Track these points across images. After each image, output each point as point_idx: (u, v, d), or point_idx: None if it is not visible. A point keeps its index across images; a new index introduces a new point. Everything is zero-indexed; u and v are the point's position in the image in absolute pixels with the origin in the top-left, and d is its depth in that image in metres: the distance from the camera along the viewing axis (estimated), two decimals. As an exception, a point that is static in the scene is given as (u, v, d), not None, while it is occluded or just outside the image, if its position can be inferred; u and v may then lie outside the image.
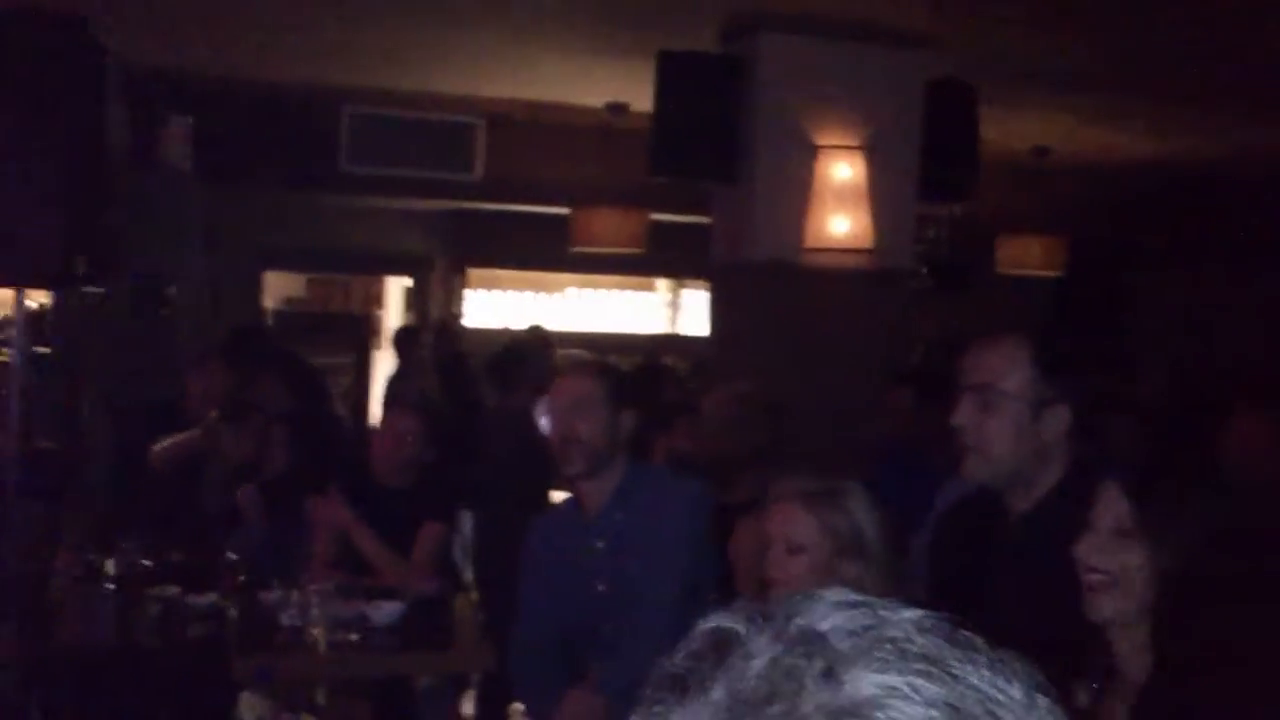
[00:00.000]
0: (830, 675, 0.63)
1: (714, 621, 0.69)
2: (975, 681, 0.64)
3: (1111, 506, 2.04)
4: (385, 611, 4.11)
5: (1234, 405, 3.58)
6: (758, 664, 0.65)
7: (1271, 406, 3.51)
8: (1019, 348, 2.50)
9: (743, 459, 4.16)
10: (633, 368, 6.97)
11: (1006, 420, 2.47)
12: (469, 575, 6.22)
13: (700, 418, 4.52)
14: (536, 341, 6.23)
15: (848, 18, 5.29)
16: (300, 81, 7.29)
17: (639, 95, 5.86)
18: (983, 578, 2.53)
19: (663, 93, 5.36)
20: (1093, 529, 2.04)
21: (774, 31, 5.32)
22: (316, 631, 3.83)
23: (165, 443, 5.22)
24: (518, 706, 4.73)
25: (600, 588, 3.48)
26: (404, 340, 9.10)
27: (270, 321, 9.87)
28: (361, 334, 10.17)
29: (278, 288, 10.35)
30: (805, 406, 4.73)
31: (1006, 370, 2.48)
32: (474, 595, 5.77)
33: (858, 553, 2.65)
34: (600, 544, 3.48)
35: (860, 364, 5.24)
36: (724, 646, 0.67)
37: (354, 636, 3.93)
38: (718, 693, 0.65)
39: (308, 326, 9.93)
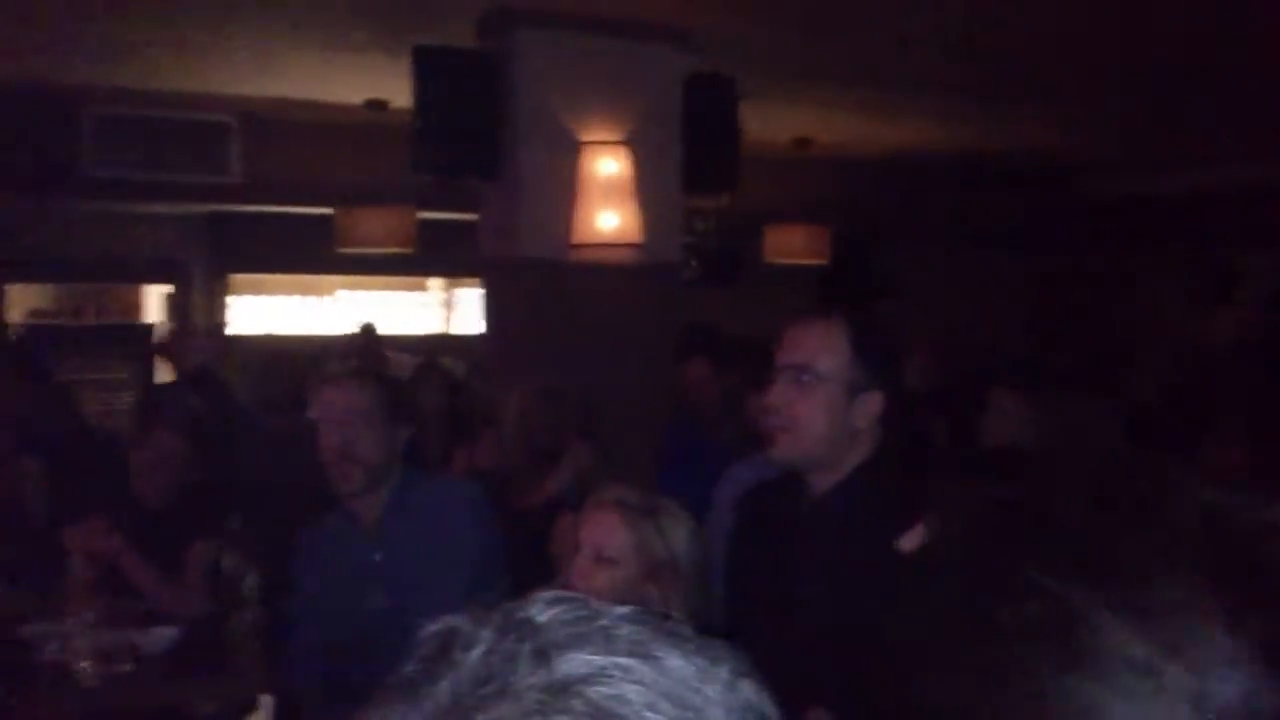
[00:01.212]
0: (543, 656, 0.66)
1: (440, 624, 0.72)
2: (679, 663, 0.68)
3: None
4: (157, 638, 3.93)
5: (989, 387, 3.74)
6: (475, 653, 0.68)
7: (1022, 386, 3.68)
8: (837, 330, 2.48)
9: (548, 454, 4.15)
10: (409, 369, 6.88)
11: (821, 402, 2.45)
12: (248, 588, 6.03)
13: (500, 421, 4.49)
14: (366, 342, 6.06)
15: (604, 13, 5.32)
16: (37, 78, 6.89)
17: (398, 92, 5.76)
18: (782, 560, 2.52)
19: (421, 89, 5.28)
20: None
21: (530, 27, 5.31)
22: (83, 665, 3.64)
23: None
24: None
25: (383, 602, 3.40)
26: (159, 350, 8.66)
27: (16, 336, 9.33)
28: (142, 345, 9.65)
29: (23, 300, 9.79)
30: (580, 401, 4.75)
31: (824, 352, 2.46)
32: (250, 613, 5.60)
33: (668, 574, 2.58)
34: (378, 556, 3.40)
35: (632, 357, 5.29)
36: (449, 644, 0.70)
37: (126, 667, 3.74)
38: (441, 685, 0.68)
39: (73, 340, 9.38)
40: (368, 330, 7.34)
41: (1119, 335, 9.96)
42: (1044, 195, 9.87)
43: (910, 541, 1.94)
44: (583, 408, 4.33)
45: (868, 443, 2.49)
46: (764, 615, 2.50)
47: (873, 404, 2.47)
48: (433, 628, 0.71)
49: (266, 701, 4.78)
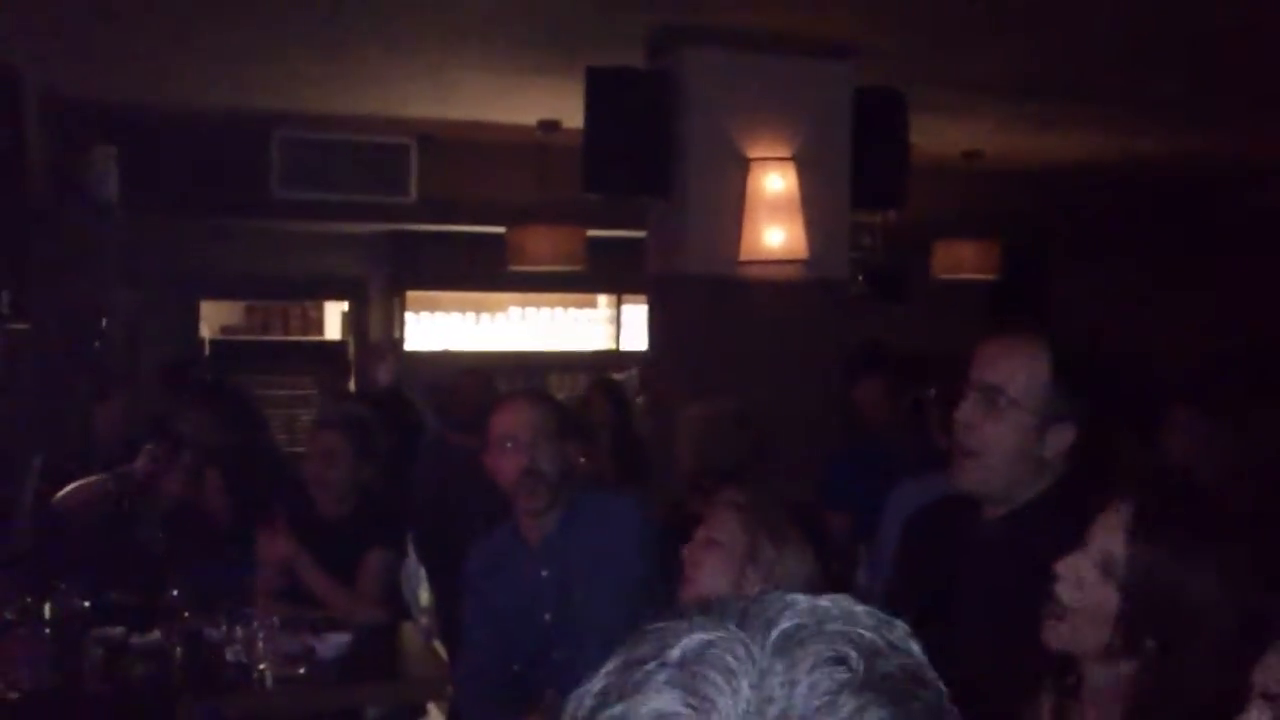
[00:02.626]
0: None
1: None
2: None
3: (1108, 536, 1.85)
4: (332, 643, 4.06)
5: (1170, 405, 3.60)
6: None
7: (1205, 403, 3.54)
8: (1038, 355, 2.33)
9: (720, 475, 4.15)
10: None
11: (1012, 428, 2.32)
12: (423, 602, 6.18)
13: (676, 434, 4.50)
14: (475, 378, 6.18)
15: (771, 29, 5.32)
16: (228, 108, 7.22)
17: (570, 112, 5.86)
18: (951, 583, 2.42)
19: (592, 109, 5.35)
20: (1081, 552, 1.88)
21: (699, 45, 5.34)
22: (263, 667, 3.78)
23: (69, 488, 5.07)
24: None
25: (546, 617, 3.45)
26: (330, 365, 8.92)
27: (208, 350, 9.77)
28: (334, 362, 9.98)
29: (214, 317, 10.24)
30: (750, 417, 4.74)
31: (1021, 374, 2.32)
32: (424, 622, 5.73)
33: (772, 567, 2.69)
34: (545, 573, 3.46)
35: (801, 374, 5.26)
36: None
37: (301, 670, 3.88)
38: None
39: (271, 355, 9.78)
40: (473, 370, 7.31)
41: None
42: (1219, 206, 9.48)
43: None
44: (757, 427, 4.31)
45: (1050, 477, 2.36)
46: (922, 637, 2.43)
47: (1065, 436, 2.33)
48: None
49: (435, 708, 4.91)
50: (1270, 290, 9.88)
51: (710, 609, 0.74)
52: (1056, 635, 1.88)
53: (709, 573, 2.69)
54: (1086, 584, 1.84)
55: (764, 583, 2.69)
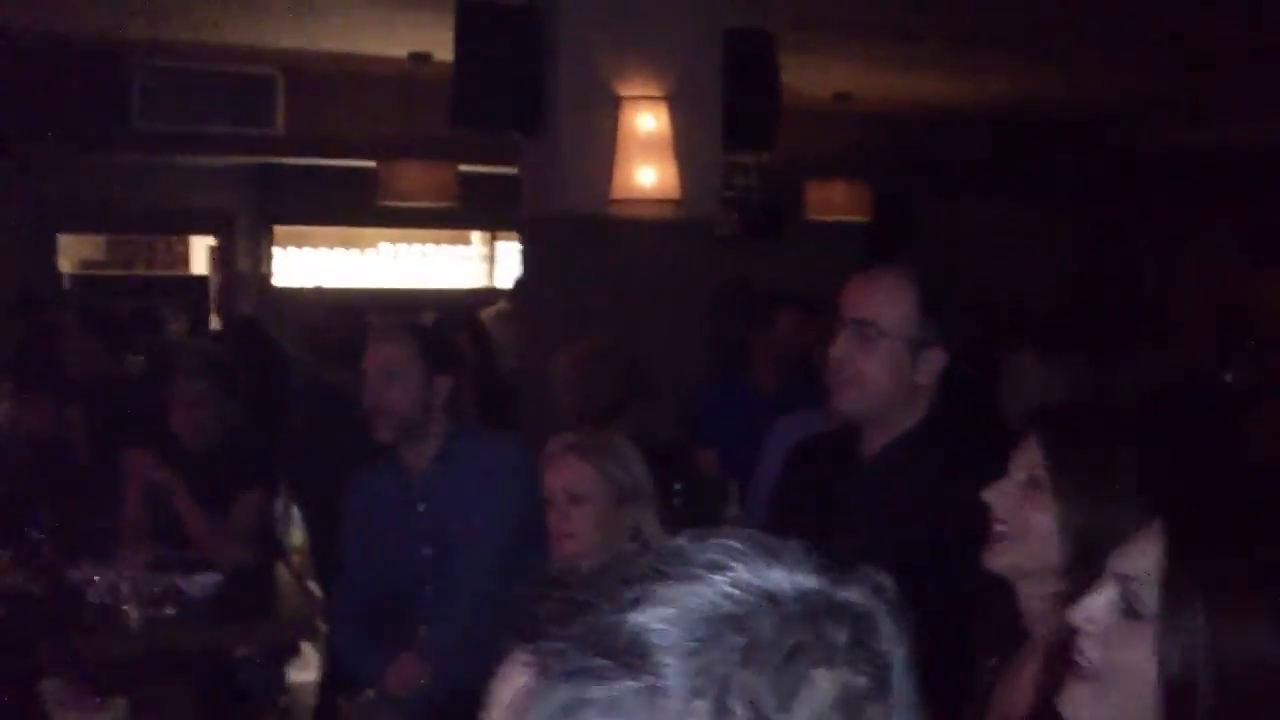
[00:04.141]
0: None
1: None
2: None
3: (1026, 458, 1.94)
4: (200, 584, 4.02)
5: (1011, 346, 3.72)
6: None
7: (1045, 346, 3.66)
8: (903, 285, 2.45)
9: (607, 413, 4.17)
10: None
11: (885, 357, 2.42)
12: (295, 541, 6.13)
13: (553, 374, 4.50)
14: (345, 314, 6.11)
15: (646, -33, 5.31)
16: (86, 34, 6.96)
17: (442, 45, 5.77)
18: (835, 513, 2.48)
19: (462, 43, 5.29)
20: (1007, 477, 1.96)
21: (574, -18, 5.30)
22: (127, 608, 3.73)
23: None
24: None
25: (425, 550, 3.47)
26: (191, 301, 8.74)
27: (67, 285, 9.47)
28: (196, 296, 9.76)
29: (74, 251, 9.93)
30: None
31: (889, 306, 2.43)
32: (296, 561, 5.70)
33: (635, 497, 2.78)
34: (422, 507, 3.47)
35: (673, 313, 5.31)
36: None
37: (168, 611, 3.84)
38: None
39: (128, 290, 9.47)
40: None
41: (1157, 294, 9.88)
42: (1085, 149, 9.75)
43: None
44: (635, 365, 4.35)
45: (924, 400, 2.48)
46: None
47: (935, 360, 2.44)
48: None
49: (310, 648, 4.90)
50: (1133, 230, 10.24)
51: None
52: (999, 556, 1.96)
53: (585, 527, 2.75)
54: (1018, 504, 1.93)
55: (634, 509, 2.78)
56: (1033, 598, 1.94)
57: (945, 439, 2.47)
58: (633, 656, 0.68)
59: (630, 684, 0.68)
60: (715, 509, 4.36)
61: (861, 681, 0.70)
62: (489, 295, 9.91)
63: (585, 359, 4.35)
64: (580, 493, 2.76)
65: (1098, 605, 1.44)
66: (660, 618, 0.69)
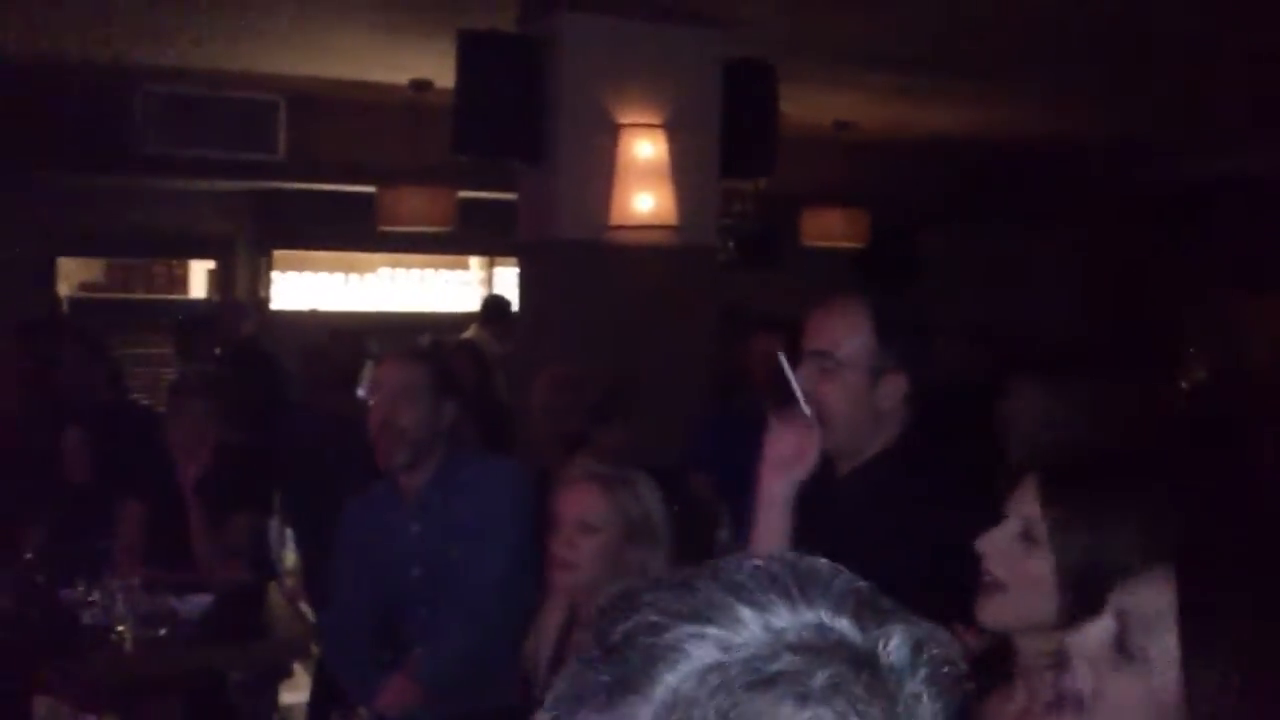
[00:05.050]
0: None
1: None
2: None
3: (1024, 504, 1.85)
4: (193, 604, 4.03)
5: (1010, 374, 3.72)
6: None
7: (1042, 375, 3.66)
8: (858, 313, 2.45)
9: (572, 440, 4.19)
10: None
11: (843, 387, 2.43)
12: (288, 563, 6.13)
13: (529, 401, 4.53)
14: (343, 339, 6.12)
15: (646, -2, 5.36)
16: (92, 59, 7.01)
17: (443, 73, 5.82)
18: (807, 539, 2.42)
19: (464, 71, 5.33)
20: (1002, 524, 1.87)
21: (572, 11, 5.35)
22: (121, 629, 3.73)
23: None
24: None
25: (415, 572, 3.48)
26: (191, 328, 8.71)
27: (66, 308, 9.48)
28: (198, 327, 9.71)
29: (73, 274, 9.94)
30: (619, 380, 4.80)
31: (845, 336, 2.44)
32: (289, 584, 5.70)
33: (646, 537, 2.74)
34: (416, 528, 3.48)
35: (670, 339, 5.33)
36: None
37: (161, 632, 3.84)
38: None
39: (121, 313, 9.47)
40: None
41: (1166, 322, 9.88)
42: (1089, 180, 9.80)
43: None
44: (606, 392, 4.37)
45: (893, 426, 2.47)
46: None
47: (896, 385, 2.44)
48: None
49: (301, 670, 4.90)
50: (1137, 259, 10.27)
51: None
52: (994, 612, 1.87)
53: (590, 558, 2.71)
54: (1012, 557, 1.84)
55: (643, 551, 2.74)
56: (1028, 651, 1.85)
57: (914, 465, 2.47)
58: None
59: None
60: (707, 533, 4.37)
61: None
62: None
63: (546, 384, 4.39)
64: (592, 524, 2.72)
65: (1094, 635, 1.43)
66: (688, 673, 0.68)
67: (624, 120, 5.34)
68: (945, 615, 1.97)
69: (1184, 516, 1.73)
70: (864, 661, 0.69)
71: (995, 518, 1.90)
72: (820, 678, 0.67)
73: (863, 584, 0.75)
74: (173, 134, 7.53)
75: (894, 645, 0.71)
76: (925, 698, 0.70)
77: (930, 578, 2.07)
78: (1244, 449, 4.81)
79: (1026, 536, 1.82)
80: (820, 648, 0.69)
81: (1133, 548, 1.59)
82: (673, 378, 5.26)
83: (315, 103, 7.79)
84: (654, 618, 0.70)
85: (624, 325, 5.24)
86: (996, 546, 1.86)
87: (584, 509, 2.73)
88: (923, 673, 0.71)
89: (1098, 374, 4.03)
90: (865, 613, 0.72)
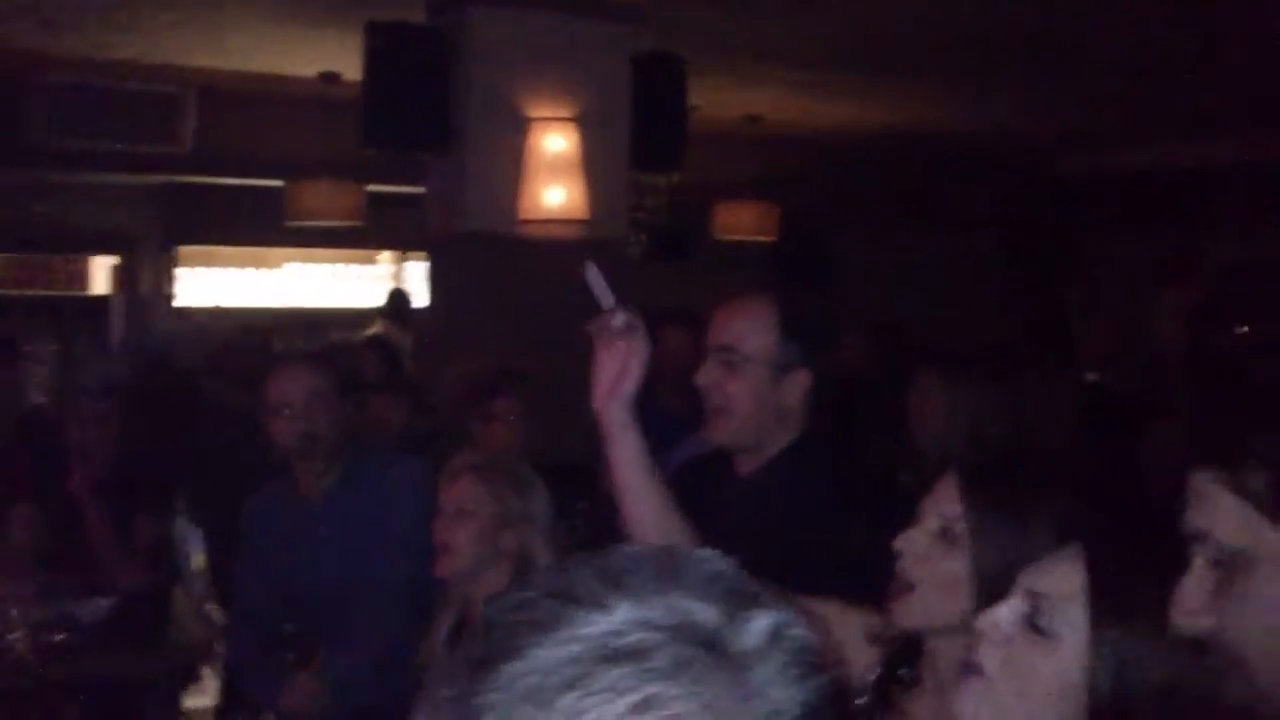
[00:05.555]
0: None
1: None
2: None
3: (942, 504, 1.83)
4: (94, 609, 3.94)
5: (917, 369, 3.76)
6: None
7: (948, 369, 3.70)
8: (764, 310, 2.47)
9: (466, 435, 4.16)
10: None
11: (748, 383, 2.44)
12: (196, 565, 6.02)
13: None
14: (250, 337, 6.03)
15: (555, -10, 5.34)
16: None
17: (352, 65, 5.75)
18: (708, 538, 2.40)
19: (372, 64, 5.28)
20: (918, 525, 1.85)
21: (481, 4, 5.31)
22: (15, 636, 3.64)
23: None
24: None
25: (325, 573, 3.44)
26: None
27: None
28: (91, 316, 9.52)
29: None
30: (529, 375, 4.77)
31: (749, 333, 2.46)
32: (197, 586, 5.59)
33: (525, 525, 2.81)
34: (323, 529, 3.44)
35: (579, 333, 5.30)
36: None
37: (59, 638, 3.75)
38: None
39: (21, 310, 9.23)
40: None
41: (1069, 314, 10.05)
42: (998, 174, 9.94)
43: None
44: (497, 372, 4.35)
45: (796, 423, 2.48)
46: None
47: (801, 383, 2.46)
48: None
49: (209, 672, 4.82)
50: (1050, 255, 10.44)
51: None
52: (908, 611, 1.85)
53: (463, 543, 2.79)
54: (929, 556, 1.82)
55: (521, 534, 2.81)
56: (937, 652, 1.85)
57: (816, 463, 2.48)
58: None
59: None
60: (617, 528, 4.36)
61: (673, 708, 0.70)
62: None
63: (465, 379, 4.38)
64: (467, 509, 2.79)
65: (1004, 615, 1.47)
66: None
67: (533, 113, 5.31)
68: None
69: (1092, 508, 1.76)
70: (713, 644, 0.72)
71: (898, 515, 1.90)
72: (664, 655, 0.71)
73: (734, 571, 0.78)
74: (75, 127, 7.36)
75: (752, 630, 0.74)
76: (780, 681, 0.73)
77: (833, 576, 2.08)
78: (1143, 439, 4.90)
79: (945, 536, 1.81)
80: (672, 628, 0.72)
81: (1048, 545, 1.60)
82: (583, 372, 5.23)
83: (222, 95, 7.66)
84: (527, 595, 0.75)
85: (533, 319, 5.20)
86: (914, 546, 1.84)
87: (459, 495, 2.81)
88: (779, 658, 0.74)
89: (1004, 369, 4.08)
90: (730, 598, 0.75)
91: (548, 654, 0.71)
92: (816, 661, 0.75)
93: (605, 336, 2.26)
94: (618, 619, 0.72)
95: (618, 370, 2.28)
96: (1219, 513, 1.18)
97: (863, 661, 1.96)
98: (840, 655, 1.94)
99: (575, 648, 0.71)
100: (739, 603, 0.75)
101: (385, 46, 5.29)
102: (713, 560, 0.78)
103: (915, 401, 3.65)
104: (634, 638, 0.71)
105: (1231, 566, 1.16)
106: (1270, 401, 1.17)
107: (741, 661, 0.72)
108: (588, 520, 3.98)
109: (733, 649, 0.72)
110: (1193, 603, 1.21)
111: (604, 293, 2.28)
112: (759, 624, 0.74)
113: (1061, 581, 1.45)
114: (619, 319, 2.26)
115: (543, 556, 2.77)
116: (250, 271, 9.84)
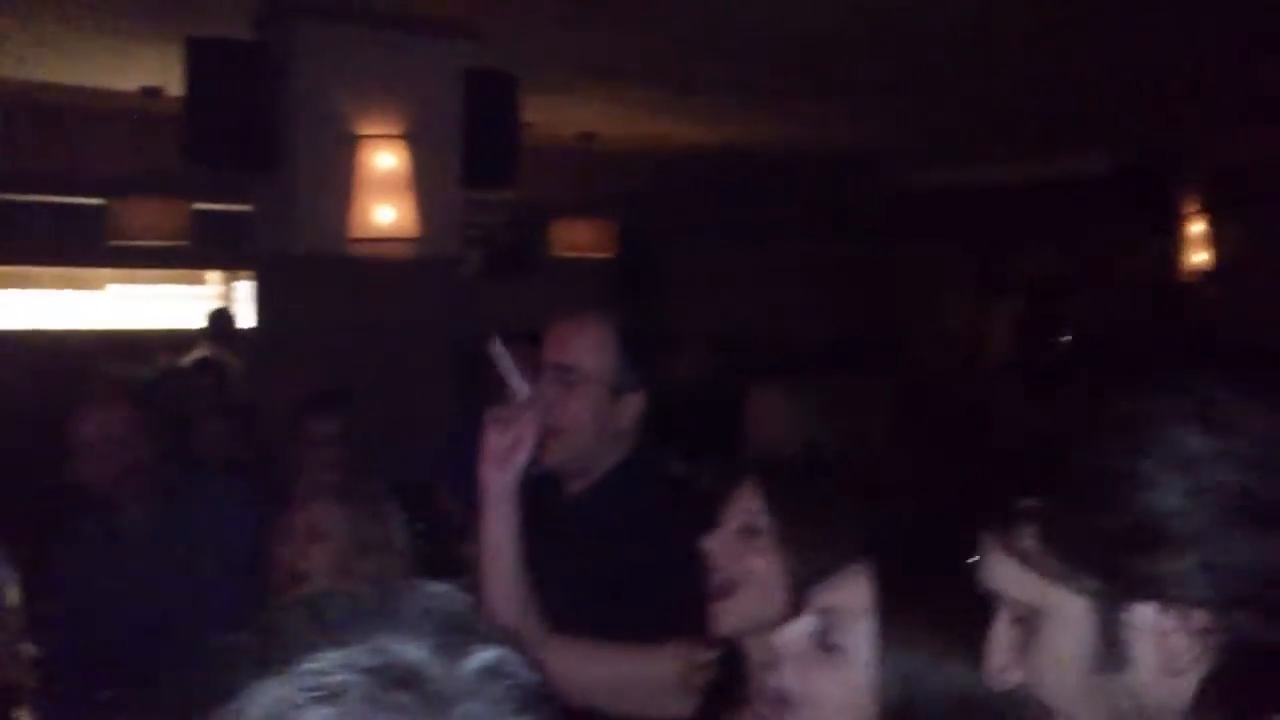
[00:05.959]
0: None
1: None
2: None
3: (743, 505, 1.85)
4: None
5: (752, 380, 3.82)
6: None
7: (783, 380, 3.77)
8: (603, 330, 2.45)
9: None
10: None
11: (587, 403, 2.41)
12: (10, 601, 5.77)
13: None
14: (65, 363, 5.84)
15: (382, 6, 5.29)
16: None
17: (175, 79, 5.61)
18: (536, 558, 2.38)
19: (193, 79, 5.15)
20: (722, 525, 1.87)
21: (307, 19, 5.23)
22: None
23: None
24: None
25: (144, 606, 3.32)
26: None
27: None
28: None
29: None
30: (361, 395, 4.70)
31: (589, 352, 2.42)
32: (11, 624, 5.36)
33: (384, 553, 2.71)
34: (138, 563, 3.33)
35: (414, 351, 5.26)
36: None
37: None
38: None
39: None
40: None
41: (894, 324, 10.35)
42: (829, 189, 10.16)
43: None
44: (305, 408, 4.31)
45: (625, 444, 2.48)
46: None
47: (635, 405, 2.45)
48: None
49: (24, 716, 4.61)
50: (873, 271, 10.72)
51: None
52: (727, 614, 1.85)
53: (320, 567, 2.66)
54: (736, 553, 1.84)
55: (380, 562, 2.71)
56: (760, 651, 1.77)
57: (646, 480, 2.49)
58: None
59: None
60: (453, 548, 4.33)
61: None
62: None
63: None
64: (323, 531, 2.69)
65: (795, 633, 1.48)
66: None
67: (363, 131, 5.25)
68: (680, 627, 2.02)
69: (889, 514, 1.81)
70: (413, 681, 0.74)
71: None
72: (362, 694, 0.73)
73: (457, 608, 0.80)
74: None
75: (464, 666, 0.75)
76: (492, 716, 0.75)
77: (664, 593, 2.09)
78: (950, 448, 5.05)
79: (747, 530, 1.84)
80: (373, 669, 0.74)
81: (846, 546, 1.60)
82: (417, 391, 5.19)
83: (38, 109, 7.38)
84: (244, 638, 0.80)
85: (365, 339, 5.14)
86: (720, 543, 1.86)
87: (313, 518, 2.70)
88: (493, 692, 0.75)
89: (830, 378, 4.18)
90: (443, 636, 0.77)
91: (262, 695, 0.74)
92: (537, 696, 0.77)
93: (507, 415, 2.23)
94: (324, 661, 0.74)
95: (511, 442, 2.23)
96: (1003, 572, 1.21)
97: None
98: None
99: (283, 690, 0.74)
100: (453, 640, 0.77)
101: (207, 60, 5.17)
102: (435, 597, 0.80)
103: (753, 412, 3.70)
104: (337, 679, 0.73)
105: (1028, 623, 1.19)
106: (1038, 457, 1.20)
107: (449, 698, 0.74)
108: (425, 540, 3.94)
109: (438, 686, 0.74)
110: (999, 660, 1.25)
111: (511, 371, 2.28)
112: (473, 661, 0.76)
113: (851, 597, 1.47)
114: (523, 394, 2.26)
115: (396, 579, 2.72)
116: (69, 293, 9.49)
